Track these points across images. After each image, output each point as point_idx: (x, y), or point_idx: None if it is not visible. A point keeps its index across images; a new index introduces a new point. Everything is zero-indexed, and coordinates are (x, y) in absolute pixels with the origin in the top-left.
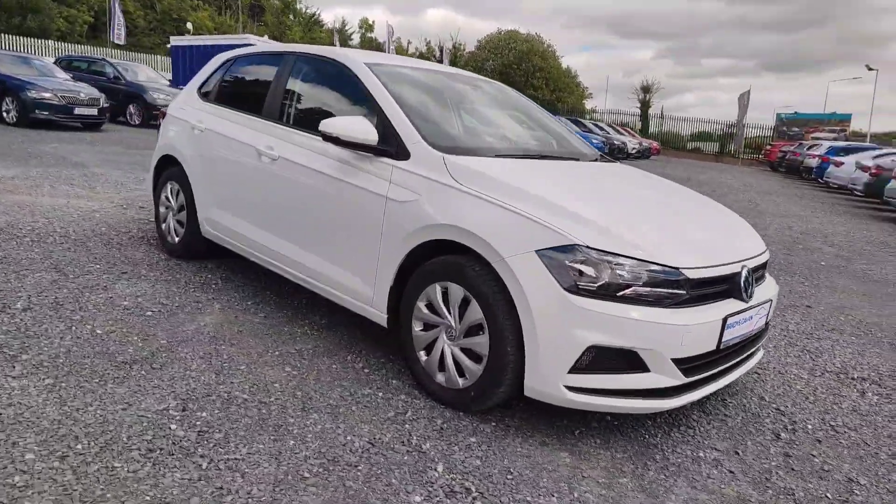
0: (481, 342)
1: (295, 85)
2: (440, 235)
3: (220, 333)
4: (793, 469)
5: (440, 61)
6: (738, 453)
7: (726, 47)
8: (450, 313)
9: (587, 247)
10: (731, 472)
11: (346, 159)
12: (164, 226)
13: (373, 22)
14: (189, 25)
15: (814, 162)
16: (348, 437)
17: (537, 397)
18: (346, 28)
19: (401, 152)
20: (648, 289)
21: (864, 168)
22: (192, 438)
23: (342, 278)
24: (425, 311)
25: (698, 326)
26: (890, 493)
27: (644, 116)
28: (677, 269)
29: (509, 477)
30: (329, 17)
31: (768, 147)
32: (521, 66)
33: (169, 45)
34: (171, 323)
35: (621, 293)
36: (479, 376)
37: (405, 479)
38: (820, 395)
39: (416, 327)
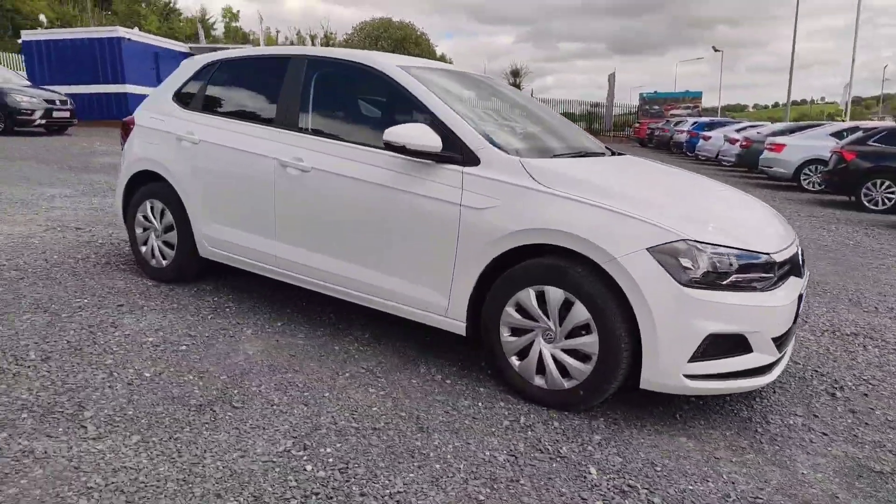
0: (589, 342)
1: (315, 91)
2: (537, 240)
3: (274, 361)
4: (866, 423)
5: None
6: (816, 416)
7: (578, 32)
8: (548, 316)
9: (694, 241)
10: (823, 434)
11: (402, 168)
12: (143, 249)
13: (237, 11)
14: (42, 18)
15: (683, 137)
16: (486, 453)
17: (655, 388)
18: (208, 17)
19: (468, 158)
20: (748, 275)
21: (732, 141)
22: (338, 478)
23: (406, 290)
24: (516, 315)
25: (787, 305)
26: None
27: None
28: (768, 254)
29: (657, 469)
30: (185, 5)
31: (637, 124)
32: (398, 53)
33: (20, 41)
34: (214, 355)
35: (726, 282)
36: (588, 375)
37: (572, 486)
38: (835, 353)
39: (505, 333)
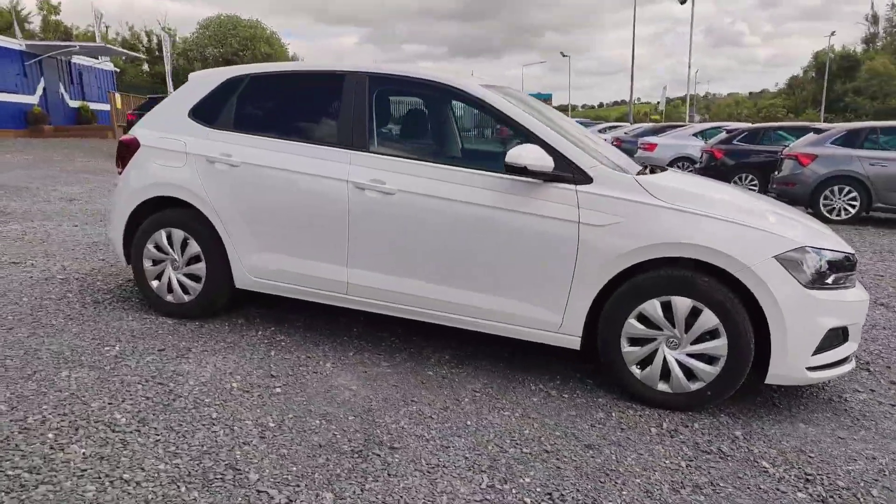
0: (718, 345)
1: (382, 110)
2: (670, 253)
3: (384, 394)
4: None
5: (158, 49)
6: (872, 390)
7: (420, 34)
8: (673, 325)
9: (810, 247)
10: (892, 404)
11: (507, 188)
12: (155, 284)
13: (58, 3)
14: None
15: None
16: (666, 461)
17: (780, 382)
18: (22, 10)
19: (580, 177)
20: (843, 273)
21: None
22: None
23: (513, 309)
24: (639, 326)
25: (867, 298)
26: None
27: None
28: (853, 254)
29: (812, 456)
30: None
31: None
32: (248, 53)
33: None
34: (319, 395)
35: (830, 280)
36: (716, 376)
37: (763, 482)
38: None
39: (626, 344)
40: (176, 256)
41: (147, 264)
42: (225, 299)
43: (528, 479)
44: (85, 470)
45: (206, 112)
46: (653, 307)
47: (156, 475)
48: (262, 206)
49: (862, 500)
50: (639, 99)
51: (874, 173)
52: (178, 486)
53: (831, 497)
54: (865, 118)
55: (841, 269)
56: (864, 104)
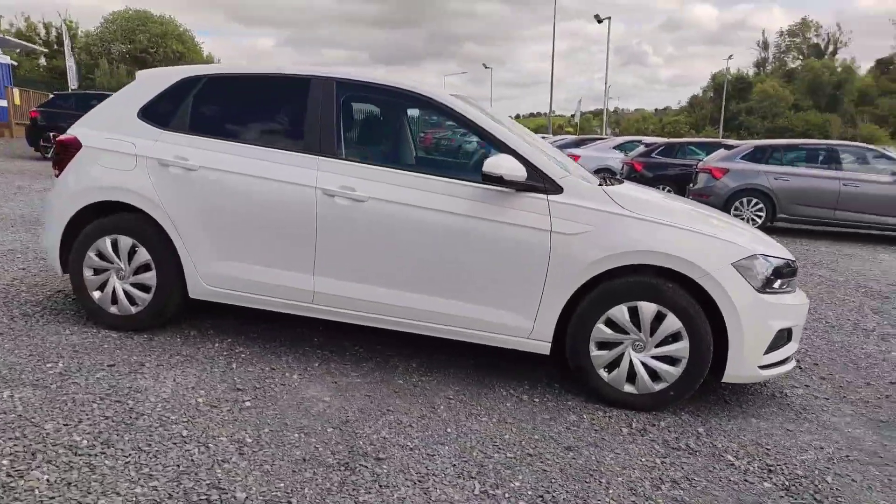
0: (680, 347)
1: (351, 116)
2: (639, 261)
3: (358, 405)
4: (835, 381)
5: (57, 40)
6: (808, 386)
7: (341, 39)
8: (639, 328)
9: (761, 254)
10: (825, 397)
11: (479, 197)
12: (97, 295)
13: None
14: None
15: (474, 148)
16: (644, 459)
17: (735, 380)
18: None
19: (550, 187)
20: (788, 279)
21: None
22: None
23: (485, 316)
24: (607, 330)
25: (807, 302)
26: None
27: None
28: (794, 260)
29: (769, 448)
30: None
31: (421, 134)
32: (159, 50)
33: None
34: (292, 407)
35: (776, 286)
36: (678, 377)
37: (733, 475)
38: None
39: (594, 348)
40: (122, 265)
41: (88, 274)
42: (175, 310)
43: (517, 483)
44: (53, 498)
45: (158, 113)
46: (620, 312)
47: (133, 499)
48: (222, 213)
49: (819, 486)
50: (554, 111)
51: (778, 187)
52: None
53: (793, 485)
54: (757, 136)
55: (785, 275)
56: (755, 123)
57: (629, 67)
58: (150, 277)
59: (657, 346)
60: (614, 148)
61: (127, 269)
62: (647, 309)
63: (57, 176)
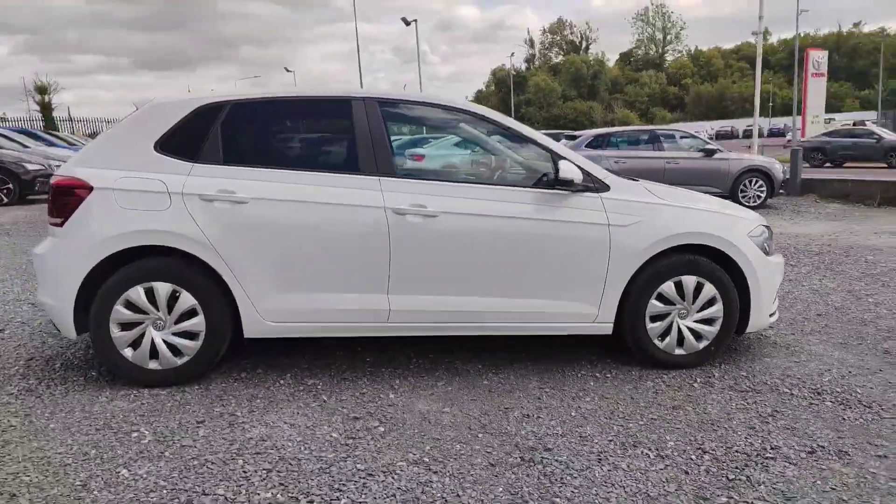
0: (716, 310)
1: (402, 135)
2: (685, 241)
3: (485, 409)
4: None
5: None
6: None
7: (96, 44)
8: (683, 299)
9: (761, 225)
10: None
11: (541, 200)
12: (130, 353)
13: None
14: None
15: None
16: (737, 404)
17: (755, 329)
18: None
19: (600, 186)
20: (772, 242)
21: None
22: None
23: (556, 308)
24: (659, 304)
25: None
26: None
27: (49, 120)
28: (769, 227)
29: (797, 377)
30: None
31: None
32: None
33: None
34: (423, 422)
35: (770, 248)
36: (716, 334)
37: (807, 404)
38: None
39: (649, 322)
40: (161, 315)
41: (115, 331)
42: (222, 351)
43: (672, 443)
44: None
45: (180, 145)
46: (669, 287)
47: None
48: (282, 244)
49: (858, 395)
50: None
51: (619, 169)
52: None
53: (843, 400)
54: (537, 125)
55: (772, 240)
56: (534, 113)
57: (411, 66)
58: (196, 323)
59: (698, 311)
60: (454, 145)
61: (167, 319)
62: (689, 281)
63: (59, 225)
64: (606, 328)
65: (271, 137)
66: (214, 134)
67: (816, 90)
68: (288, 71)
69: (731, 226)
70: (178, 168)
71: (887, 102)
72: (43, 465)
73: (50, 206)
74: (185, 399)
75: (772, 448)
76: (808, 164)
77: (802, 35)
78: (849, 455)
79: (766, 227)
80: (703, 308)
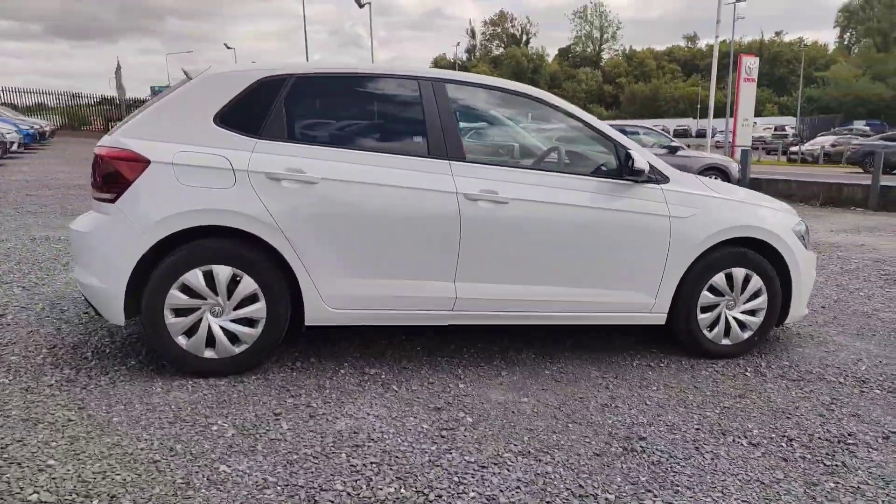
0: (761, 301)
1: (467, 120)
2: (738, 234)
3: (563, 400)
4: None
5: None
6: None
7: (3, 7)
8: (732, 290)
9: (802, 220)
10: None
11: (607, 190)
12: (184, 342)
13: None
14: None
15: None
16: (797, 386)
17: (794, 321)
18: None
19: (661, 178)
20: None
21: None
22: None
23: (615, 298)
24: (710, 296)
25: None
26: None
27: None
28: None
29: (826, 364)
30: None
31: None
32: None
33: None
34: (507, 412)
35: (808, 243)
36: (760, 324)
37: (883, 390)
38: None
39: (700, 313)
40: (220, 300)
41: (170, 317)
42: (279, 339)
43: (755, 430)
44: None
45: (242, 119)
46: (720, 279)
47: None
48: (352, 228)
49: (853, 380)
50: None
51: None
52: None
53: (884, 387)
54: None
55: (808, 234)
56: None
57: (346, 49)
58: (257, 309)
59: (745, 302)
60: None
61: (226, 304)
62: (738, 273)
63: (111, 201)
64: (661, 318)
65: (336, 115)
66: (278, 109)
67: (747, 94)
68: (228, 48)
69: (779, 220)
70: (241, 144)
71: (804, 109)
72: (129, 463)
73: (97, 180)
74: (248, 390)
75: (849, 434)
76: (862, 170)
77: (729, 42)
78: None
79: (802, 221)
80: (749, 299)
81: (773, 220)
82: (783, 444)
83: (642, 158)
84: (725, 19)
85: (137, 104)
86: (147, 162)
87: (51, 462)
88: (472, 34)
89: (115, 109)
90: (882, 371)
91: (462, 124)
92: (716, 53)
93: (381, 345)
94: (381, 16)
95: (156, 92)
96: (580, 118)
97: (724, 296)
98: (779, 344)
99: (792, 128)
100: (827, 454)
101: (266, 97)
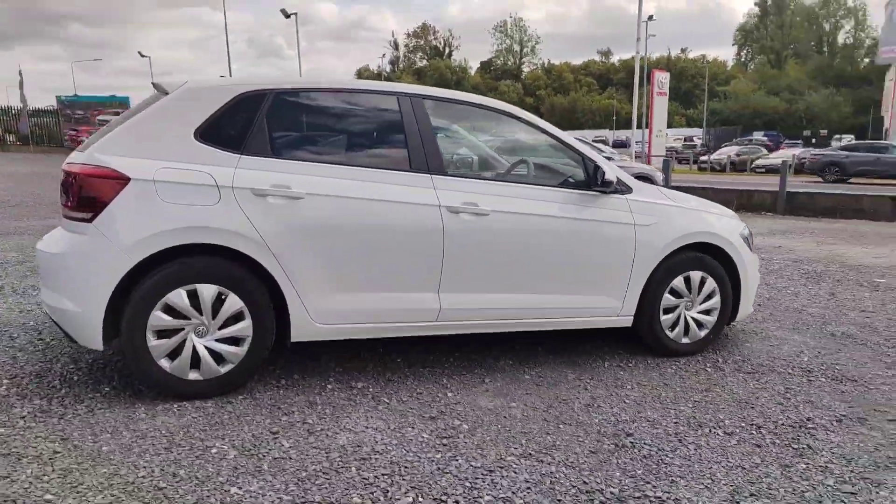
0: (715, 301)
1: (451, 134)
2: (695, 240)
3: (549, 404)
4: None
5: None
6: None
7: None
8: (690, 292)
9: (745, 225)
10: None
11: (577, 200)
12: (167, 364)
13: None
14: None
15: None
16: (749, 382)
17: (742, 318)
18: None
19: (625, 188)
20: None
21: None
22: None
23: (584, 303)
24: (672, 298)
25: None
26: None
27: None
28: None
29: (809, 355)
30: None
31: (71, 132)
32: None
33: None
34: (494, 413)
35: (752, 246)
36: (714, 323)
37: (827, 379)
38: None
39: (662, 315)
40: (205, 320)
41: (152, 339)
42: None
43: (725, 419)
44: None
45: (223, 135)
46: (679, 282)
47: None
48: (338, 242)
49: (837, 374)
50: None
51: None
52: None
53: (834, 380)
54: None
55: (752, 238)
56: None
57: (266, 59)
58: (242, 328)
59: (701, 303)
60: None
61: (211, 324)
62: (695, 276)
63: (88, 220)
64: (627, 321)
65: (318, 130)
66: (260, 124)
67: (660, 107)
68: (143, 56)
69: (730, 226)
70: (224, 160)
71: (708, 121)
72: (134, 492)
73: (71, 199)
74: (238, 411)
75: (807, 419)
76: (821, 179)
77: (641, 57)
78: (868, 421)
79: (747, 227)
80: (704, 300)
81: (724, 226)
82: (753, 432)
83: (611, 171)
84: (637, 35)
85: (41, 114)
86: (126, 179)
87: (48, 497)
88: (396, 46)
89: (14, 119)
90: (822, 361)
91: (444, 140)
92: (637, 68)
93: (363, 359)
94: (302, 25)
95: (62, 102)
96: (550, 133)
97: (682, 298)
98: (729, 340)
99: (699, 138)
100: (793, 439)
101: (247, 112)
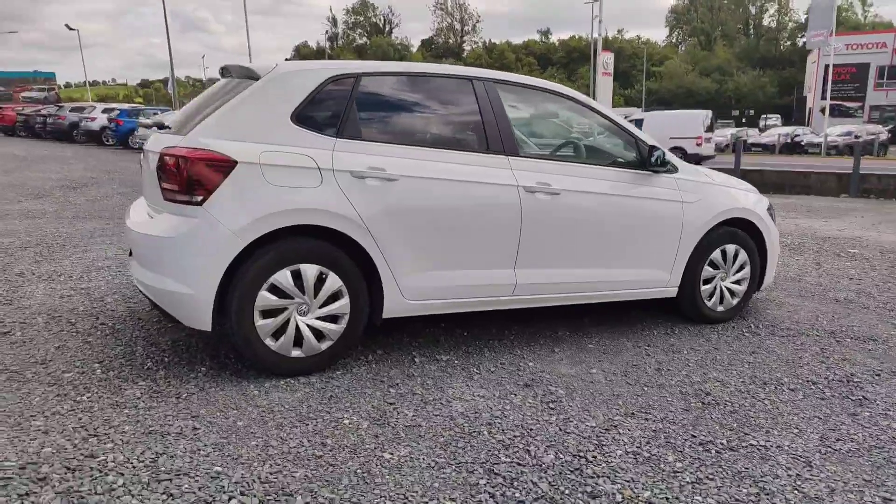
0: (746, 272)
1: (522, 117)
2: (732, 216)
3: (627, 371)
4: None
5: None
6: None
7: None
8: (726, 263)
9: (768, 201)
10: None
11: (634, 180)
12: (272, 343)
13: None
14: None
15: (99, 125)
16: (780, 344)
17: (765, 287)
18: None
19: (672, 168)
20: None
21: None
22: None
23: (637, 276)
24: (710, 269)
25: None
26: None
27: None
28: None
29: (825, 318)
30: None
31: None
32: None
33: None
34: (579, 381)
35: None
36: (744, 292)
37: (812, 345)
38: None
39: (702, 285)
40: (307, 299)
41: (259, 319)
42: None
43: (783, 377)
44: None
45: (319, 118)
46: (717, 255)
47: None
48: (429, 222)
49: (859, 335)
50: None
51: None
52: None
53: (859, 340)
54: None
55: (773, 212)
56: None
57: (190, 34)
58: (341, 306)
59: (734, 273)
60: None
61: (312, 303)
62: (730, 249)
63: (198, 203)
64: (673, 292)
65: (401, 113)
66: (349, 107)
67: (605, 87)
68: (70, 29)
69: (758, 202)
70: (322, 142)
71: (646, 100)
72: (295, 459)
73: (178, 182)
74: (344, 385)
75: (851, 375)
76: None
77: (578, 38)
78: None
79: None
80: (737, 271)
81: (754, 202)
82: (812, 388)
83: (665, 152)
84: (581, 15)
85: None
86: (234, 163)
87: (217, 468)
88: (334, 22)
89: None
90: (840, 324)
91: (532, 122)
92: (593, 49)
93: (429, 334)
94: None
95: None
96: (608, 116)
97: (719, 269)
98: (752, 308)
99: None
100: (848, 392)
101: (337, 95)
